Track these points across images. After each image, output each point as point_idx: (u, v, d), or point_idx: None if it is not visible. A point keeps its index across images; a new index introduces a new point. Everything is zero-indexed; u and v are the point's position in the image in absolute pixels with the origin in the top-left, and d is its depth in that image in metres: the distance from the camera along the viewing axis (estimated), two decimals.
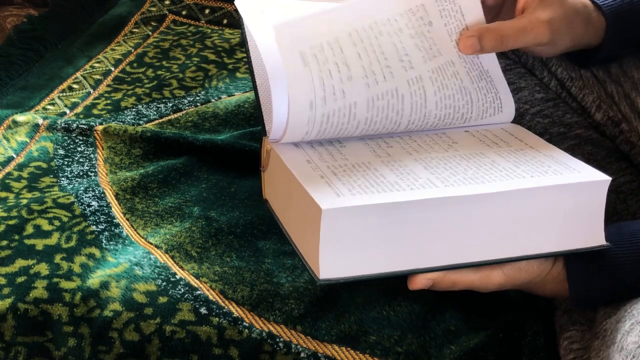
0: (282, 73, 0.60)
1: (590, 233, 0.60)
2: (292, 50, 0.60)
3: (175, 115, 0.95)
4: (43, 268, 0.69)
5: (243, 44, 0.66)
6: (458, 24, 0.66)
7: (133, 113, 0.96)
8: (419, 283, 0.57)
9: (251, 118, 0.94)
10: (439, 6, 0.66)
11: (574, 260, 0.61)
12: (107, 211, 0.78)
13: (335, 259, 0.55)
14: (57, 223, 0.75)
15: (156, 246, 0.73)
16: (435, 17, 0.66)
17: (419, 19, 0.65)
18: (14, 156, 0.86)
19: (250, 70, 0.65)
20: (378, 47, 0.63)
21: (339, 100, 0.61)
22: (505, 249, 0.59)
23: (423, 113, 0.64)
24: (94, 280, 0.68)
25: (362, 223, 0.54)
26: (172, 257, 0.72)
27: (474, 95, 0.66)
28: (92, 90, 1.02)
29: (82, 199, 0.79)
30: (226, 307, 0.67)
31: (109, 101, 0.99)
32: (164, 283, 0.69)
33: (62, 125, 0.90)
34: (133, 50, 1.12)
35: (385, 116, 0.63)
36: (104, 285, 0.68)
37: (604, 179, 0.59)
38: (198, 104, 0.98)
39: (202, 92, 1.01)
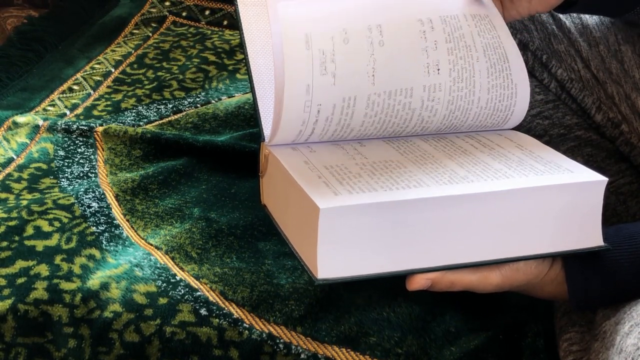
0: (281, 59, 0.59)
1: (587, 234, 0.60)
2: (296, 33, 0.59)
3: (176, 117, 0.95)
4: (43, 269, 0.69)
5: (242, 45, 0.65)
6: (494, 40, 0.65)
7: (133, 114, 0.96)
8: (417, 283, 0.57)
9: (251, 119, 0.94)
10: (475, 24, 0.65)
11: (572, 262, 0.61)
12: (107, 212, 0.78)
13: (333, 259, 0.55)
14: (57, 224, 0.75)
15: (156, 247, 0.73)
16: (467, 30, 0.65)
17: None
18: (14, 157, 0.87)
19: (249, 73, 0.65)
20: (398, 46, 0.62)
21: (337, 88, 0.60)
22: (503, 249, 0.59)
23: (426, 122, 0.64)
24: (94, 282, 0.68)
25: (359, 222, 0.54)
26: (172, 258, 0.72)
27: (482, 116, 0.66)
28: (92, 92, 1.02)
29: (83, 200, 0.79)
30: (226, 308, 0.67)
31: (109, 102, 0.99)
32: (164, 284, 0.69)
33: (63, 126, 0.90)
34: (133, 52, 1.12)
35: (384, 117, 0.63)
36: (104, 286, 0.68)
37: (601, 179, 0.59)
38: (198, 105, 0.98)
39: (202, 94, 1.01)
